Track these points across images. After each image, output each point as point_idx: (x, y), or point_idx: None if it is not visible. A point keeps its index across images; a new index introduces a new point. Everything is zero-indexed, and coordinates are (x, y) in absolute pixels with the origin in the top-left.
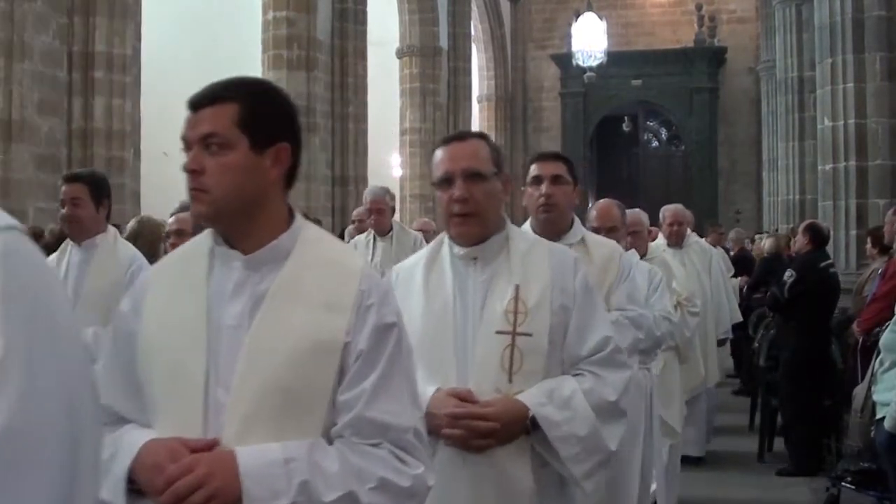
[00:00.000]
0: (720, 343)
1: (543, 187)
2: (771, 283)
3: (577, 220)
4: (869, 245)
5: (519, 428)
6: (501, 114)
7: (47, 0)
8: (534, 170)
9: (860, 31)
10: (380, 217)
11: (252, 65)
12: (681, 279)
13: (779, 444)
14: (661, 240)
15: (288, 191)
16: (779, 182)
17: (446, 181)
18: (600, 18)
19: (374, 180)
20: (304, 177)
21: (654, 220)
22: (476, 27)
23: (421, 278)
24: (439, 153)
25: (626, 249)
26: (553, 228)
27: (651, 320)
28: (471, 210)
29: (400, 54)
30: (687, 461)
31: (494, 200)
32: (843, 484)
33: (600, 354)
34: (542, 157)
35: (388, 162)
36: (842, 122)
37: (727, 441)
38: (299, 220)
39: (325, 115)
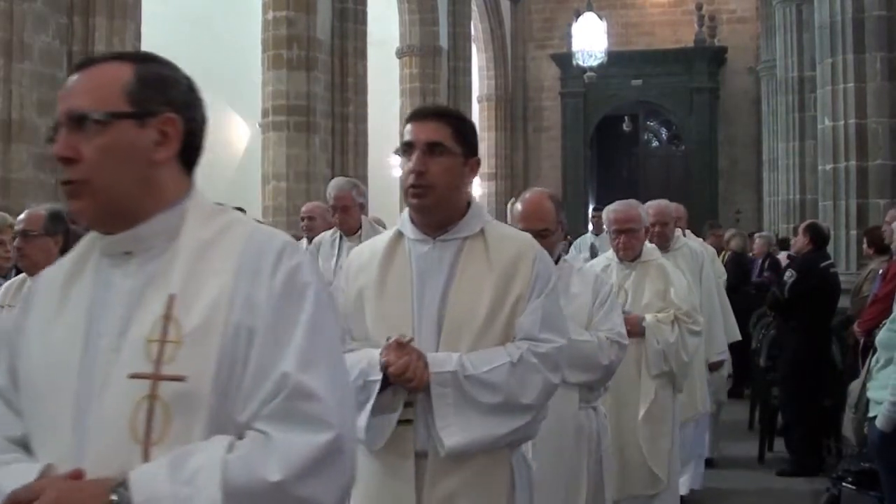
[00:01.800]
0: (714, 367)
1: (413, 160)
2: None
3: (476, 206)
4: (865, 246)
5: None
6: (501, 114)
7: (47, 0)
8: (405, 133)
9: (860, 31)
10: (345, 215)
11: (252, 65)
12: (680, 289)
13: (779, 444)
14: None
15: None
16: (779, 182)
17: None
18: (600, 18)
19: (374, 180)
20: (305, 177)
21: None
22: (476, 27)
23: (59, 286)
24: None
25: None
26: (431, 218)
27: (594, 346)
28: (75, 176)
29: (400, 54)
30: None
31: (129, 158)
32: (843, 484)
33: (274, 403)
34: (416, 116)
35: (388, 162)
36: (842, 122)
37: (727, 441)
38: None
39: (325, 115)
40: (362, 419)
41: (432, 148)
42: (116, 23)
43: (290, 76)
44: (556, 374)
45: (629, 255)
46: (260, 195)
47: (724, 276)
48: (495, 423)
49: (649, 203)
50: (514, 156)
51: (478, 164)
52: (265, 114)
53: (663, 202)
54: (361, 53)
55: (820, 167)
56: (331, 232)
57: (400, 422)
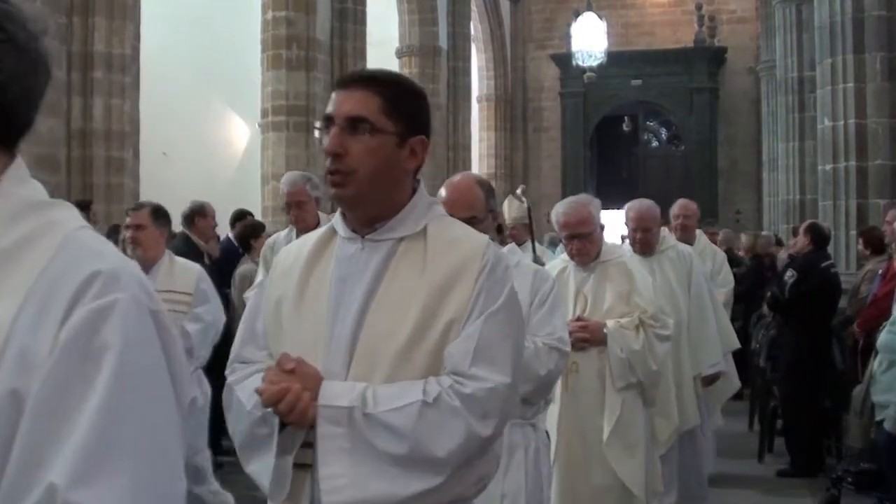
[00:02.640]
0: (709, 381)
1: (329, 139)
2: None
3: (420, 199)
4: (861, 246)
5: None
6: (501, 114)
7: (47, 0)
8: (329, 104)
9: (860, 31)
10: (300, 211)
11: (252, 65)
12: (644, 290)
13: (779, 444)
14: (626, 244)
15: None
16: (779, 182)
17: None
18: (600, 18)
19: None
20: None
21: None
22: (476, 27)
23: None
24: None
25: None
26: (355, 212)
27: (531, 353)
28: None
29: (399, 54)
30: None
31: None
32: (843, 485)
33: None
34: (341, 83)
35: None
36: (842, 122)
37: (727, 442)
38: None
39: None
40: (267, 459)
41: (354, 124)
42: (116, 23)
43: (289, 76)
44: (486, 422)
45: (585, 260)
46: (259, 195)
47: (732, 285)
48: (397, 480)
49: (629, 205)
50: (514, 156)
51: (422, 144)
52: (264, 114)
53: (645, 204)
54: (361, 54)
55: (820, 167)
56: (286, 231)
57: (296, 465)
